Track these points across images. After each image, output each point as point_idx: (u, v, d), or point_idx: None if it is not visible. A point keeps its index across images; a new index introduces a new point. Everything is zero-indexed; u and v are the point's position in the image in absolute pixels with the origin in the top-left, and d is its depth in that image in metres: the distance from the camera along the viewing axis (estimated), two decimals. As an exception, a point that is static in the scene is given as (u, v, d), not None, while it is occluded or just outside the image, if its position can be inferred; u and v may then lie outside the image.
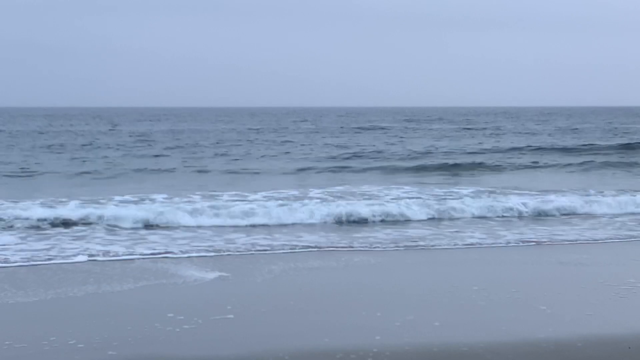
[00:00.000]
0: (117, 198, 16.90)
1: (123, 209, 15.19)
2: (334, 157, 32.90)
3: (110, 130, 58.29)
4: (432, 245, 12.54)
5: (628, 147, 37.10)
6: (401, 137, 48.69)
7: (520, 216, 15.99)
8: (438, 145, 40.30)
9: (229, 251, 11.84)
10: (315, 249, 12.09)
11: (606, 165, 29.22)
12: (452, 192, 19.16)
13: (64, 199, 16.52)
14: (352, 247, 12.31)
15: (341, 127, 63.46)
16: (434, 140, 44.99)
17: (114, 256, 11.39)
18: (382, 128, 62.15)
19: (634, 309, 8.35)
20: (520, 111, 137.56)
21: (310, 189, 19.39)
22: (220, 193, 18.16)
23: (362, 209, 15.64)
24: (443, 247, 12.45)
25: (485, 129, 60.41)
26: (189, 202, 16.45)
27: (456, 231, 14.00)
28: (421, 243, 12.74)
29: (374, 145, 39.63)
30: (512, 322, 7.65)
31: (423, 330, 7.36)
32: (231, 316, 7.89)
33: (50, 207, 15.47)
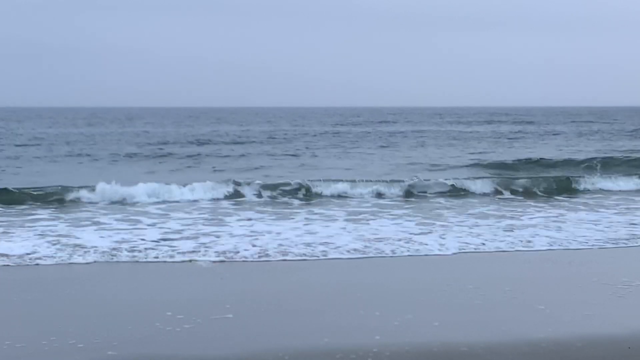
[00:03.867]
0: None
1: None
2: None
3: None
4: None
5: None
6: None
7: None
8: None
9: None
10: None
11: None
12: None
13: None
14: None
15: (493, 133, 55.67)
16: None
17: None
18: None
19: (633, 308, 8.35)
20: (527, 111, 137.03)
21: None
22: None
23: None
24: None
25: (600, 131, 55.71)
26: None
27: None
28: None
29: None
30: (511, 322, 7.66)
31: (422, 329, 7.37)
32: (230, 315, 7.88)
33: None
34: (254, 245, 11.83)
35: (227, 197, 18.52)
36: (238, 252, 11.39)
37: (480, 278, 9.93)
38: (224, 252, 11.35)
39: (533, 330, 7.28)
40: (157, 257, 10.97)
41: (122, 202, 17.51)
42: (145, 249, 11.57)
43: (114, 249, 11.51)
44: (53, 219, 14.83)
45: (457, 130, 57.77)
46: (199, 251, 11.44)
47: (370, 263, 10.95)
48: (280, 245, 11.93)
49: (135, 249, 11.58)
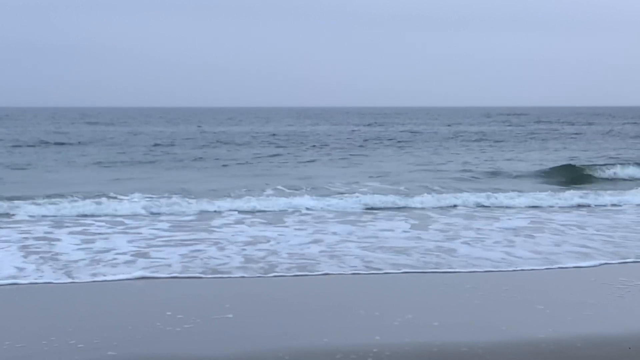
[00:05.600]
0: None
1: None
2: None
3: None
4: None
5: None
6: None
7: None
8: None
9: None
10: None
11: None
12: None
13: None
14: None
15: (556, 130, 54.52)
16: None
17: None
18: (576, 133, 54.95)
19: (633, 308, 8.36)
20: (531, 110, 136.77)
21: None
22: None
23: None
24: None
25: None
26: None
27: None
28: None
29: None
30: (511, 322, 7.66)
31: (422, 329, 7.36)
32: (230, 315, 7.88)
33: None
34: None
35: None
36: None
37: (475, 277, 9.92)
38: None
39: (533, 330, 7.28)
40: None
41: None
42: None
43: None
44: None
45: (504, 130, 57.48)
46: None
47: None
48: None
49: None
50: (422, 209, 16.79)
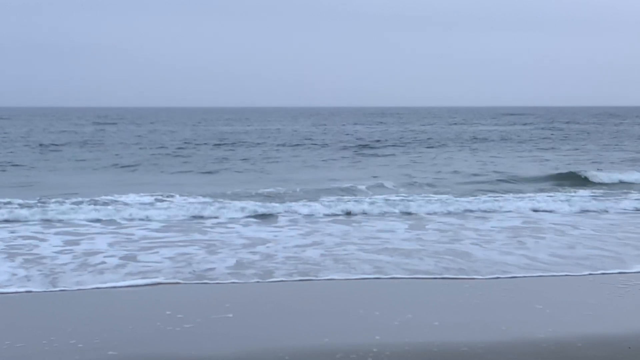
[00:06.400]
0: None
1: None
2: None
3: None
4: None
5: None
6: None
7: None
8: None
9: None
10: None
11: None
12: None
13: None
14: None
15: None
16: None
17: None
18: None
19: (633, 308, 8.35)
20: (529, 110, 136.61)
21: None
22: None
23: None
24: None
25: None
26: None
27: None
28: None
29: None
30: (511, 322, 7.65)
31: (422, 330, 7.36)
32: (230, 315, 7.88)
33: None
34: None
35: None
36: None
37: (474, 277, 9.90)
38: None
39: (533, 330, 7.28)
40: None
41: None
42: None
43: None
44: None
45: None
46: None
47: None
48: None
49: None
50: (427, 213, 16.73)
